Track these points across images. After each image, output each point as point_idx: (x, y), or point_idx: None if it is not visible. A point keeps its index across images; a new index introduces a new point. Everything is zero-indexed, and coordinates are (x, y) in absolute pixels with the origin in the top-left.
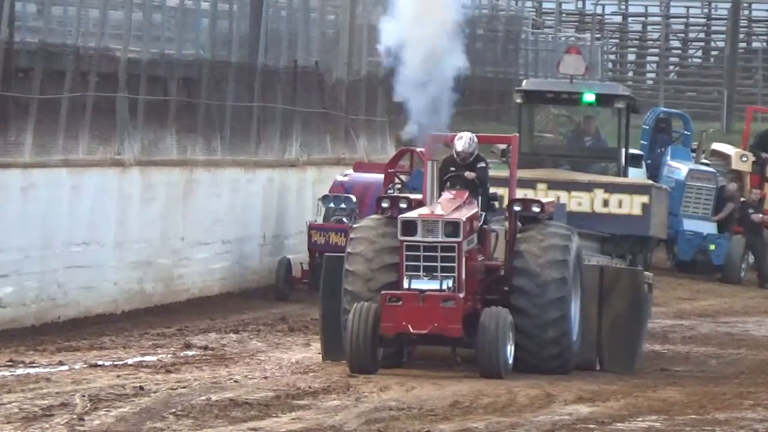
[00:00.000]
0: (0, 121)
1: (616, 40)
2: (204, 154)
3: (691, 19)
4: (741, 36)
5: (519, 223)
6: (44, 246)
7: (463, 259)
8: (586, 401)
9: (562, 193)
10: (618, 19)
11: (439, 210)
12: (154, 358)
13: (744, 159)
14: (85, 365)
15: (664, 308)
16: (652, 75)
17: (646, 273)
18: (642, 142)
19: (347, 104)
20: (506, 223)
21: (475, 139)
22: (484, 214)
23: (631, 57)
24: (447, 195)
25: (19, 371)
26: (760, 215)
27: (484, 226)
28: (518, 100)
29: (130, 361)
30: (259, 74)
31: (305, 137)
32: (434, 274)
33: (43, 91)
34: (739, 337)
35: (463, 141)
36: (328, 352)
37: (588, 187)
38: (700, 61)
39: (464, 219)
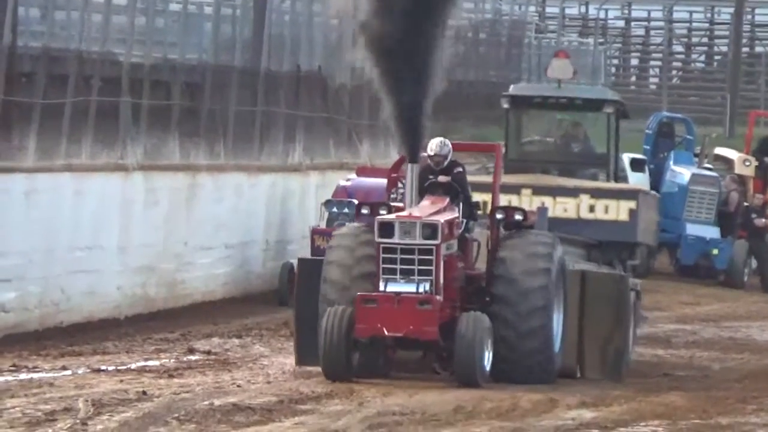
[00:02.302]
0: (3, 125)
1: (619, 45)
2: (207, 158)
3: (694, 24)
4: (744, 40)
5: (502, 229)
6: (47, 251)
7: (441, 262)
8: (589, 406)
9: (547, 198)
10: (621, 23)
11: (417, 212)
12: (157, 362)
13: (747, 164)
14: (89, 370)
15: (666, 313)
16: (655, 80)
17: (633, 280)
18: (645, 146)
19: (350, 108)
20: (488, 231)
21: (448, 143)
22: (465, 221)
23: (634, 62)
24: (426, 201)
25: (23, 376)
26: (763, 220)
27: (466, 235)
28: (505, 105)
29: (133, 366)
30: (262, 79)
31: (308, 142)
32: (411, 276)
33: (46, 95)
34: (742, 342)
35: (434, 144)
36: (302, 358)
37: (574, 192)
38: (703, 65)
39: (443, 221)
